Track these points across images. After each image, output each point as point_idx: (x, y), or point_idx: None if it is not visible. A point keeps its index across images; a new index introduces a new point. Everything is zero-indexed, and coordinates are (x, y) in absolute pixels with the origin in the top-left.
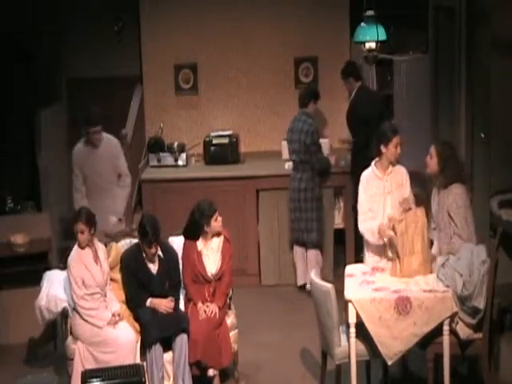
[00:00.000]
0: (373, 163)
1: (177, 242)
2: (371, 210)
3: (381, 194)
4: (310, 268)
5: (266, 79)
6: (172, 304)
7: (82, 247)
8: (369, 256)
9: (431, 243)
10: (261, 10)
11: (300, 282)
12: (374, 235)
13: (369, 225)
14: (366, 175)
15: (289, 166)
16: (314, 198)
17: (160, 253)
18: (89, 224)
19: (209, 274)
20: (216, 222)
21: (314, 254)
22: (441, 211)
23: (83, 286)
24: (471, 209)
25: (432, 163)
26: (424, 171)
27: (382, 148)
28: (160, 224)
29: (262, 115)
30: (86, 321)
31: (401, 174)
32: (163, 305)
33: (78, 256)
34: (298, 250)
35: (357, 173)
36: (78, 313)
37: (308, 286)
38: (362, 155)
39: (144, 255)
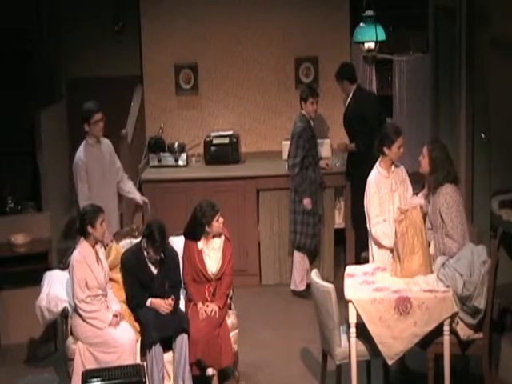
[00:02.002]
0: (377, 164)
1: (177, 242)
2: (381, 210)
3: (389, 193)
4: (293, 271)
5: (266, 79)
6: (172, 303)
7: (101, 240)
8: (379, 251)
9: (429, 244)
10: (261, 10)
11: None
12: (391, 241)
13: (384, 229)
14: (374, 178)
15: None
16: (300, 200)
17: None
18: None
19: (209, 273)
20: (217, 223)
21: (296, 256)
22: (434, 212)
23: (86, 288)
24: (463, 209)
25: (424, 163)
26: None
27: (385, 150)
28: (167, 230)
29: (262, 115)
30: (87, 323)
31: (401, 171)
32: (163, 305)
33: (81, 256)
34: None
35: (355, 174)
36: (80, 316)
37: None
38: (362, 157)
39: (145, 255)
